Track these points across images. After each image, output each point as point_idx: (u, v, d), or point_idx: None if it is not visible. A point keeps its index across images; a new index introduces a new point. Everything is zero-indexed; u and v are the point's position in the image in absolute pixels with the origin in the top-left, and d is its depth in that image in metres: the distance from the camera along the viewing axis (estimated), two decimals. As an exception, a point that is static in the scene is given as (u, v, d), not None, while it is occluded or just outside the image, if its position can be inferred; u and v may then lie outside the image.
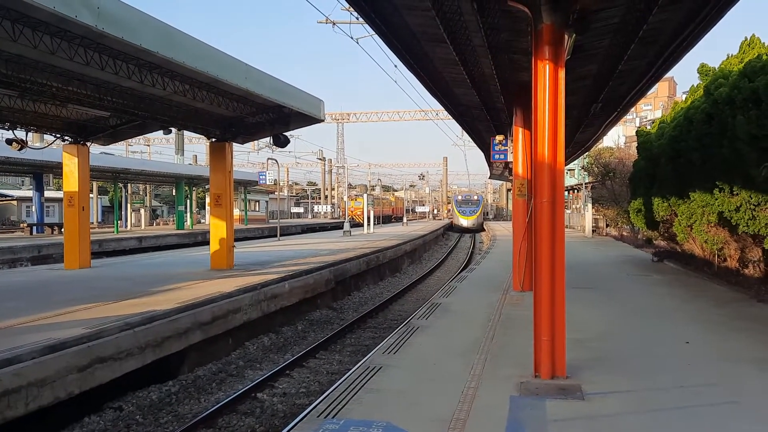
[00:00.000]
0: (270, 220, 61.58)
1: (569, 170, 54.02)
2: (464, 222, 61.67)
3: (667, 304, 11.23)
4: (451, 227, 63.27)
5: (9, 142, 16.05)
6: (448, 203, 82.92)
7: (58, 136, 16.69)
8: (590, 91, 13.34)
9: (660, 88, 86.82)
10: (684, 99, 18.21)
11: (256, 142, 50.36)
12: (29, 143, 16.77)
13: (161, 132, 17.08)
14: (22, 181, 67.86)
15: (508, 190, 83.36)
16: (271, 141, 17.59)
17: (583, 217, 37.23)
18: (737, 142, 10.81)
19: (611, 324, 9.43)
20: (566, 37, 6.39)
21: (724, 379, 6.34)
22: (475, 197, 64.88)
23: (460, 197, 65.90)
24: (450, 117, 21.65)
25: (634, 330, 8.97)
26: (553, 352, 6.22)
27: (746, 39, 13.37)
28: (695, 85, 16.12)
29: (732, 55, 13.56)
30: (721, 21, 8.31)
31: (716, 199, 12.80)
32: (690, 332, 8.67)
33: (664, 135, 15.97)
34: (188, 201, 47.24)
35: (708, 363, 7.03)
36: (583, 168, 42.45)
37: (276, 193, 67.83)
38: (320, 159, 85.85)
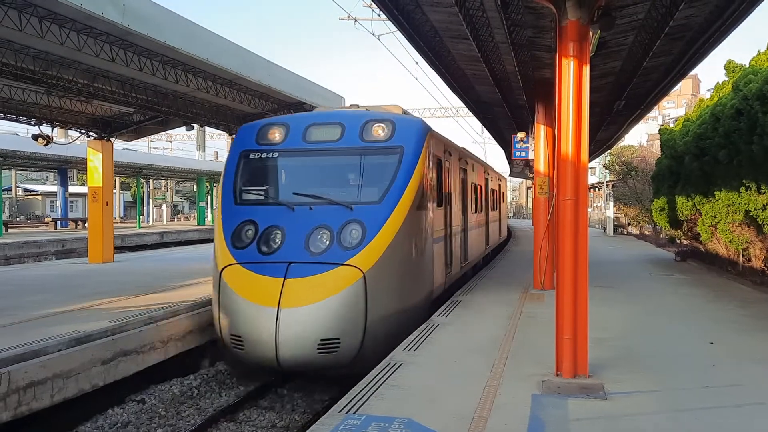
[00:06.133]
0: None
1: (590, 168, 53.41)
2: (256, 315, 7.54)
3: (691, 304, 11.09)
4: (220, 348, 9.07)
5: (35, 137, 16.32)
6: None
7: (83, 131, 16.94)
8: (613, 89, 13.22)
9: (684, 86, 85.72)
10: (709, 97, 17.95)
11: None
12: (54, 139, 17.01)
13: (183, 128, 17.25)
14: (47, 176, 68.86)
15: (528, 188, 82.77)
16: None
17: (604, 216, 36.89)
18: (767, 139, 10.64)
19: (634, 323, 9.33)
20: (591, 33, 6.34)
21: (749, 380, 6.25)
22: (383, 128, 9.01)
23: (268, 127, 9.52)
24: (470, 114, 21.58)
25: (657, 329, 8.87)
26: (576, 350, 6.17)
27: (774, 35, 13.13)
28: (721, 82, 15.88)
29: (762, 52, 13.33)
30: (750, 17, 8.19)
31: (743, 198, 12.61)
32: (714, 332, 8.54)
33: (689, 133, 15.75)
34: (209, 197, 47.65)
35: (732, 363, 6.93)
36: (604, 166, 42.07)
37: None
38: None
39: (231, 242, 8.32)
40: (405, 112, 10.95)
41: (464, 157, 13.94)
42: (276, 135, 9.38)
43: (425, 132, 9.51)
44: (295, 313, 7.36)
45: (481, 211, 17.22)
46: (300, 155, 9.27)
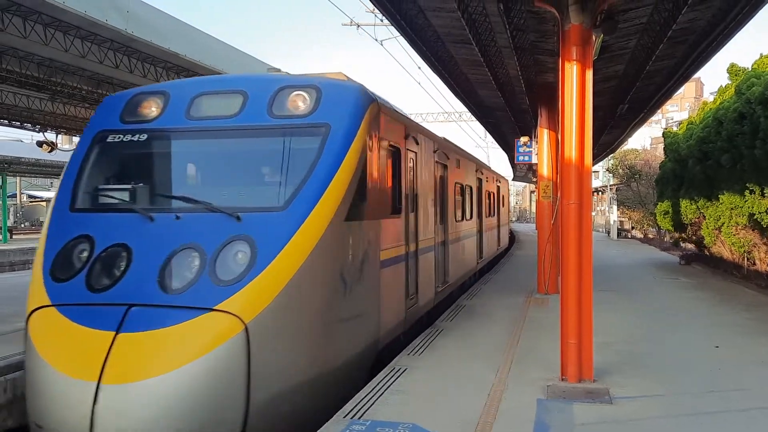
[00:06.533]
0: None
1: (593, 172, 53.30)
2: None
3: (695, 308, 11.05)
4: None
5: (40, 144, 16.43)
6: None
7: (87, 138, 16.99)
8: (616, 92, 13.24)
9: (687, 89, 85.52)
10: (713, 100, 17.94)
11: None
12: (59, 145, 17.09)
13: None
14: (51, 183, 69.03)
15: (532, 192, 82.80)
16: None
17: (608, 219, 36.87)
18: (769, 143, 10.65)
19: (638, 327, 9.30)
20: (594, 37, 6.35)
21: (755, 384, 6.22)
22: (303, 99, 6.21)
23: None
24: (473, 118, 21.58)
25: (662, 333, 8.84)
26: (581, 354, 6.16)
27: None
28: (724, 86, 15.87)
29: (764, 55, 13.31)
30: (753, 20, 8.19)
31: (746, 201, 12.60)
32: (719, 336, 8.51)
33: (693, 136, 15.75)
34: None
35: (738, 367, 6.90)
36: (607, 170, 42.05)
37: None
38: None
39: (50, 271, 5.50)
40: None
41: (444, 149, 10.95)
42: (151, 108, 6.40)
43: (366, 103, 6.48)
44: (126, 393, 4.49)
45: (471, 218, 14.27)
46: (177, 138, 6.40)
